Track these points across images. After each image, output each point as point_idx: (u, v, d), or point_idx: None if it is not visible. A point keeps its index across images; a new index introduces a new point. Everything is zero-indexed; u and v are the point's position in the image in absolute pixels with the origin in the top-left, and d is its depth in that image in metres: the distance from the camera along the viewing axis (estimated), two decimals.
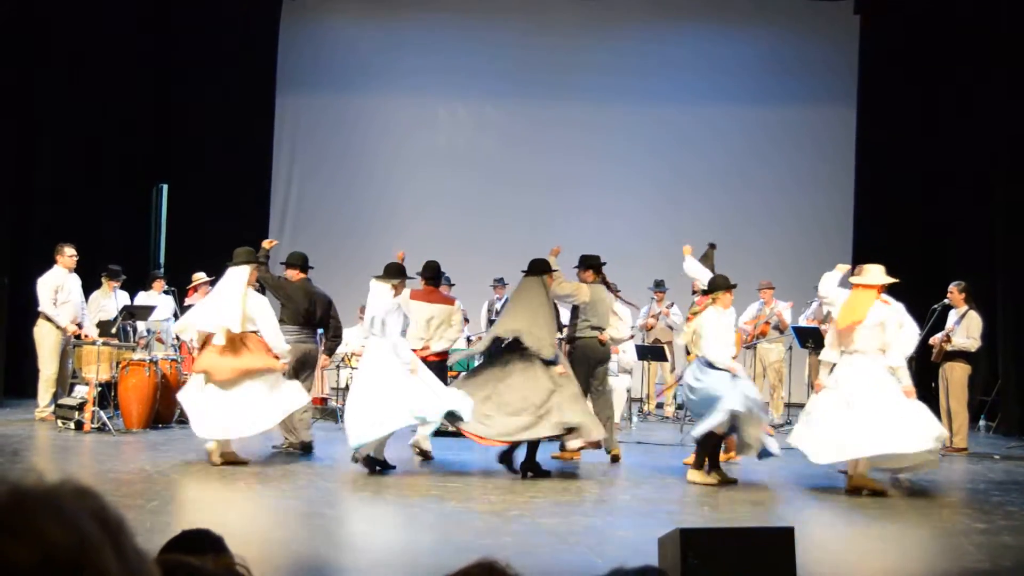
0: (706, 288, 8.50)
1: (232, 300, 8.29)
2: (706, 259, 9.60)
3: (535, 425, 8.03)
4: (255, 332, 8.29)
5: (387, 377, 8.06)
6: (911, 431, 7.71)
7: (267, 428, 8.42)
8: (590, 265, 9.23)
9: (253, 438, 8.77)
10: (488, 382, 8.28)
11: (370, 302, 8.37)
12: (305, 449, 8.93)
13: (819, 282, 8.52)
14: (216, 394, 8.13)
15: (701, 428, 8.02)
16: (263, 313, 8.38)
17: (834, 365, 8.11)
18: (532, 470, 8.17)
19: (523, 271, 8.73)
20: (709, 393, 8.01)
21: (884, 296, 8.11)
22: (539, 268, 8.62)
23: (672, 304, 13.33)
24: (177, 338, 11.40)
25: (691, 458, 9.20)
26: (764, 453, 8.13)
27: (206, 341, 8.35)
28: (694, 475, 8.09)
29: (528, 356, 8.23)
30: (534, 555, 5.43)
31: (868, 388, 7.81)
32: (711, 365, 8.10)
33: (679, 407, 8.81)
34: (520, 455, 8.27)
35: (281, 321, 8.87)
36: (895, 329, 8.00)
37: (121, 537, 0.76)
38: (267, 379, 8.24)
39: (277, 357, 8.36)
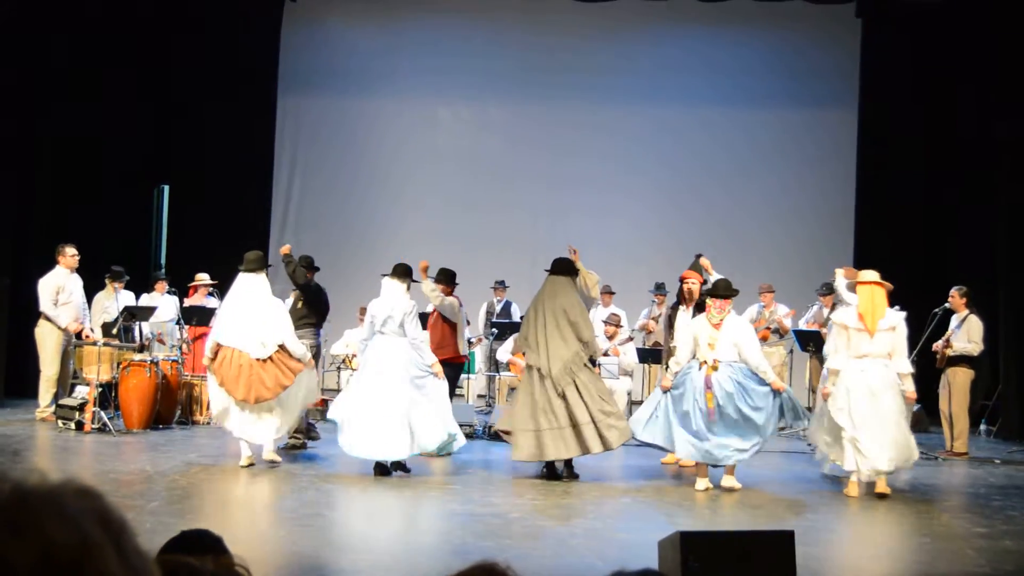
0: (716, 291, 8.15)
1: (267, 317, 8.20)
2: (695, 269, 9.61)
3: (583, 441, 8.00)
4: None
5: (398, 389, 7.95)
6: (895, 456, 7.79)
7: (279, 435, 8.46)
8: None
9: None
10: (539, 411, 8.09)
11: (383, 300, 8.22)
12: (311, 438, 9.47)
13: (840, 291, 8.56)
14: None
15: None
16: (287, 323, 8.37)
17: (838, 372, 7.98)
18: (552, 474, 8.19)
19: (547, 270, 8.57)
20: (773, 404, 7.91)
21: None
22: (568, 268, 8.41)
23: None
24: (181, 338, 11.41)
25: (669, 457, 9.12)
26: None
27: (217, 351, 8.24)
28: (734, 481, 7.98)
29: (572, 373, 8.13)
30: (535, 557, 5.42)
31: (887, 399, 7.78)
32: (755, 375, 7.90)
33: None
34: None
35: (314, 323, 9.31)
36: (904, 333, 8.01)
37: (123, 537, 0.76)
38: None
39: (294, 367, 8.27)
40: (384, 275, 8.43)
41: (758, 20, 14.90)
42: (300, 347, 8.35)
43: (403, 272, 8.36)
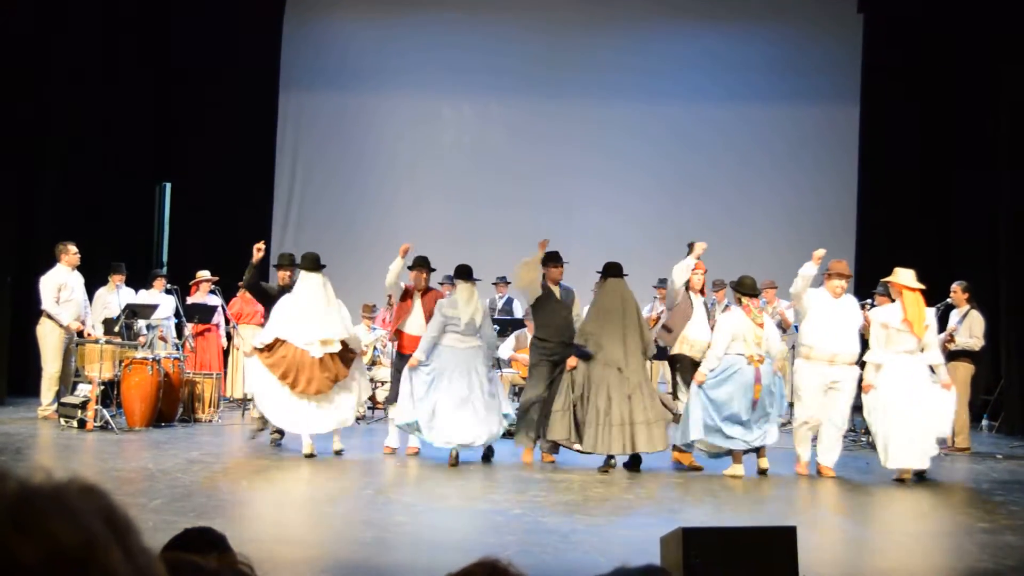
0: (747, 290, 8.74)
1: (330, 316, 8.80)
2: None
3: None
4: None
5: (484, 381, 8.76)
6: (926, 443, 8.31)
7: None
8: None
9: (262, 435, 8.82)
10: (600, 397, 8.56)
11: (460, 303, 8.78)
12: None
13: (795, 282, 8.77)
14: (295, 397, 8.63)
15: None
16: (347, 319, 9.01)
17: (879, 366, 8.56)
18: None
19: (599, 272, 9.02)
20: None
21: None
22: (621, 270, 8.94)
23: None
24: (179, 336, 11.43)
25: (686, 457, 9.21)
26: None
27: (273, 344, 8.69)
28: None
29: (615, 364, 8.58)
30: (536, 554, 5.43)
31: (926, 388, 8.40)
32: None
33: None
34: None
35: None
36: (935, 327, 8.64)
37: (129, 536, 0.76)
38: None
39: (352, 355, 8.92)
40: (452, 278, 9.14)
41: (760, 16, 14.90)
42: (357, 340, 9.07)
43: (470, 273, 9.01)
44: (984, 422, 12.10)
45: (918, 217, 14.16)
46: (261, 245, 9.34)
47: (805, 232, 14.84)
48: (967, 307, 10.55)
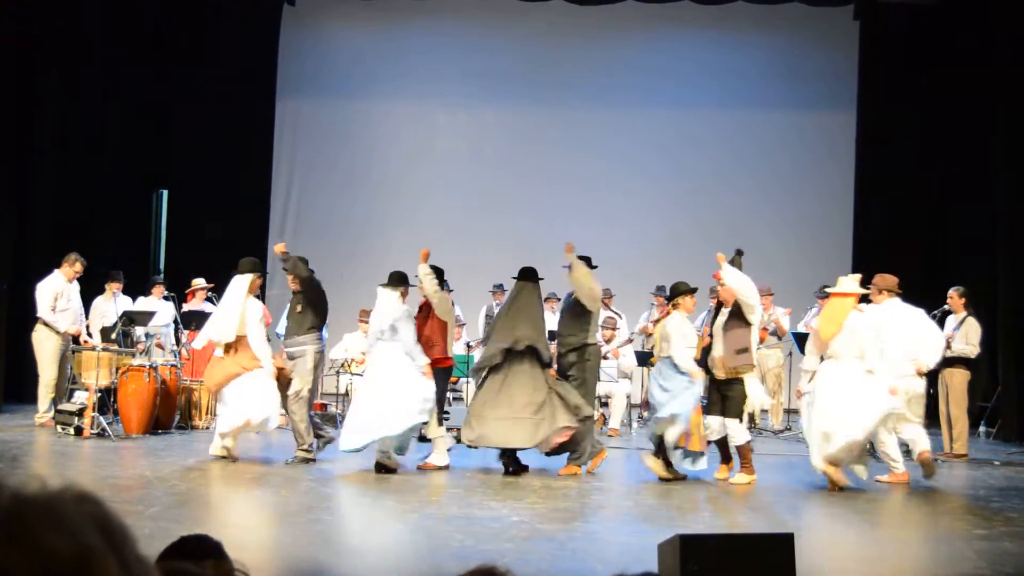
0: (668, 294, 8.96)
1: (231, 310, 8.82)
2: (734, 265, 9.43)
3: (536, 428, 8.41)
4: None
5: (392, 382, 8.38)
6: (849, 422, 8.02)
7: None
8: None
9: (256, 443, 8.79)
10: (503, 394, 8.56)
11: (378, 310, 8.62)
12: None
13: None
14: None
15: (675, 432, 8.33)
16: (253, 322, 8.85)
17: (814, 373, 8.54)
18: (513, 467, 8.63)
19: (515, 277, 8.98)
20: (674, 395, 8.39)
21: (859, 305, 8.41)
22: (533, 275, 8.91)
23: None
24: (177, 343, 11.41)
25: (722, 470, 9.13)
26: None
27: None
28: (655, 464, 8.41)
29: (532, 362, 8.57)
30: (534, 561, 5.42)
31: (844, 390, 8.09)
32: (676, 368, 8.46)
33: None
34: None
35: (318, 327, 9.04)
36: (870, 335, 8.23)
37: (124, 545, 0.76)
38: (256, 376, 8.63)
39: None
40: (381, 285, 8.73)
41: (756, 23, 14.92)
42: (266, 357, 8.76)
43: (397, 280, 8.70)
44: (982, 428, 12.09)
45: (915, 223, 14.16)
46: None
47: (802, 238, 14.87)
48: (964, 313, 10.55)
